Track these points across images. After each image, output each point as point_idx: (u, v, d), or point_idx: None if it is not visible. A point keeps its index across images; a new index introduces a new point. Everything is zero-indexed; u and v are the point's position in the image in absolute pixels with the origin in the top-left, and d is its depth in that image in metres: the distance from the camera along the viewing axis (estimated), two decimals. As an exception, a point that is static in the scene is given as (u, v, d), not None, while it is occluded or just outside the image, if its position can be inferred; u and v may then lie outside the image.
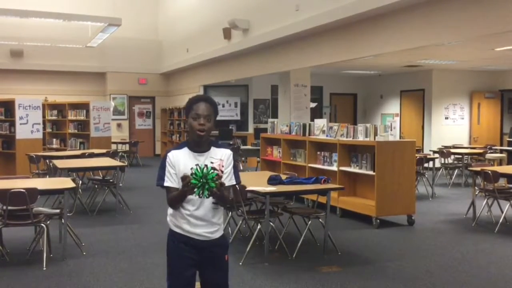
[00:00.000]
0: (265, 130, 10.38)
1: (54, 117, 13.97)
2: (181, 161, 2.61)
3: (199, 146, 2.65)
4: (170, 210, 2.71)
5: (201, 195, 2.40)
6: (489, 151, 11.63)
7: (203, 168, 2.39)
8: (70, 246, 5.46)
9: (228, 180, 2.66)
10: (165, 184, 2.61)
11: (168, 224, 2.74)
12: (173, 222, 2.70)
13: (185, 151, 2.65)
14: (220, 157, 2.67)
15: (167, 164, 2.62)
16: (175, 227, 2.69)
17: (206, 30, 13.45)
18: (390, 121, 7.24)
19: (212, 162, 2.61)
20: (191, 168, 2.42)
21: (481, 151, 11.48)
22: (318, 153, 8.05)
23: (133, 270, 4.94)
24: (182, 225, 2.65)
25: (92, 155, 9.69)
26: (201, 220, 2.64)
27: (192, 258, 2.67)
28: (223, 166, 2.65)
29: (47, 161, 8.77)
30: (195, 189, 2.38)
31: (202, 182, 2.37)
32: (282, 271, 4.91)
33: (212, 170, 2.39)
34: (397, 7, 6.89)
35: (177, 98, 17.58)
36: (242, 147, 12.24)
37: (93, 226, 6.87)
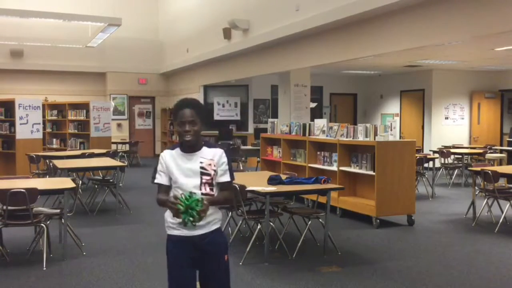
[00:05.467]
0: (265, 130, 10.37)
1: (54, 117, 13.98)
2: (172, 161, 2.74)
3: (189, 147, 2.75)
4: (166, 215, 2.78)
5: (186, 222, 2.53)
6: (489, 151, 11.62)
7: (188, 196, 2.53)
8: (70, 246, 5.46)
9: (223, 178, 2.77)
10: (156, 181, 2.77)
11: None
12: (168, 226, 2.77)
13: (177, 151, 2.77)
14: (211, 157, 2.75)
15: (159, 163, 2.79)
16: (171, 230, 2.75)
17: (206, 30, 13.45)
18: (390, 121, 7.24)
19: (201, 162, 2.72)
20: (182, 194, 2.56)
21: (481, 151, 11.48)
22: (318, 153, 8.05)
23: (133, 270, 4.94)
24: (176, 226, 2.70)
25: (92, 155, 9.69)
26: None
27: (190, 257, 2.70)
28: (214, 165, 2.73)
29: (47, 161, 8.76)
30: (181, 214, 2.52)
31: (186, 207, 2.51)
32: (282, 271, 4.91)
33: (196, 197, 2.55)
34: (397, 7, 6.89)
35: (177, 98, 17.45)
36: (242, 147, 12.23)
37: (93, 226, 6.87)
